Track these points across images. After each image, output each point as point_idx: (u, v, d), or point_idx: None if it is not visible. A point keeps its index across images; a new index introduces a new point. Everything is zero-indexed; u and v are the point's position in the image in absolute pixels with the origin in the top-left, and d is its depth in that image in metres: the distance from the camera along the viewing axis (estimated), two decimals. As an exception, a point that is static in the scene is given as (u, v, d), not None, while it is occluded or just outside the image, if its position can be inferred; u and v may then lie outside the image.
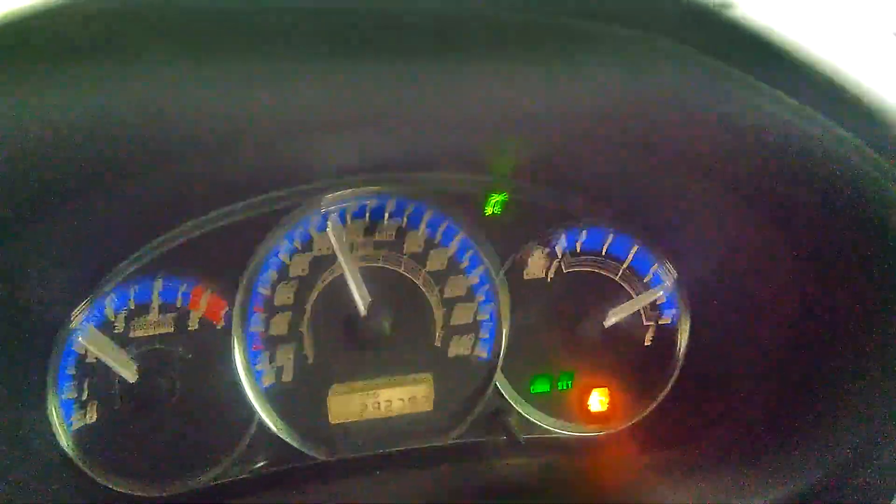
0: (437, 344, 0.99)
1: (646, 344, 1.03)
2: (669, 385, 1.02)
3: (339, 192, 0.94)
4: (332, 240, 0.92)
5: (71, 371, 0.91)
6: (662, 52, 0.48)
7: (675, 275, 1.01)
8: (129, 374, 0.90)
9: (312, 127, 0.72)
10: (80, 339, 0.89)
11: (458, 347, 1.00)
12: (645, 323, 1.02)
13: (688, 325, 1.02)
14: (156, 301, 0.92)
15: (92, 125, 0.57)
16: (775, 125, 0.54)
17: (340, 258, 0.92)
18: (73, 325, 0.90)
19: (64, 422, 0.90)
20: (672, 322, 1.03)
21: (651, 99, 0.59)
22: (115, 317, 0.92)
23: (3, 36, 0.43)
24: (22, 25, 0.43)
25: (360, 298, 0.93)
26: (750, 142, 0.60)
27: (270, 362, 0.95)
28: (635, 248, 1.01)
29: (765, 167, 0.65)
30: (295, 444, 0.96)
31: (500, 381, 1.00)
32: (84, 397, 0.91)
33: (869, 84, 0.47)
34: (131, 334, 0.92)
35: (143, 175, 0.75)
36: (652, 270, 1.02)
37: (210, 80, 0.54)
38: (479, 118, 0.72)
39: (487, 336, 1.00)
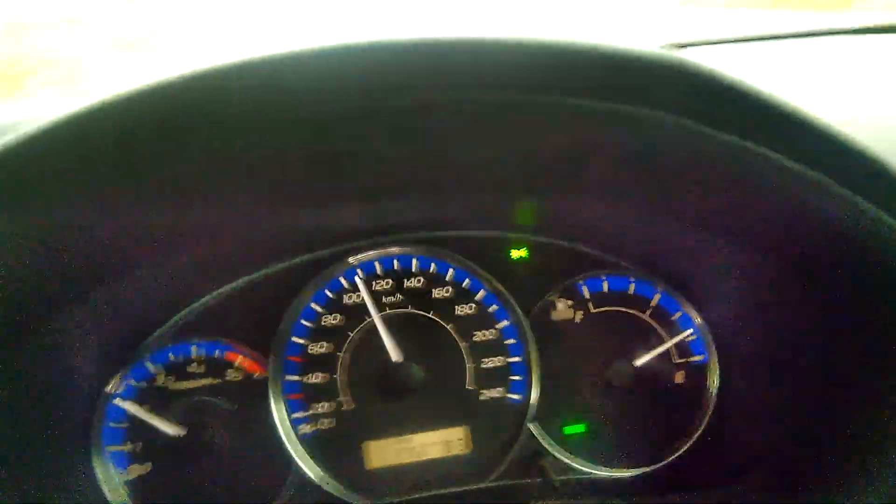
0: (470, 388, 1.01)
1: (677, 383, 1.03)
2: (703, 424, 1.02)
3: (366, 254, 1.00)
4: (363, 294, 0.97)
5: (121, 426, 0.95)
6: (675, 128, 0.50)
7: (699, 320, 1.03)
8: (173, 430, 0.94)
9: (339, 198, 0.77)
10: (119, 403, 0.94)
11: (491, 391, 1.02)
12: (675, 362, 1.03)
13: (717, 364, 1.03)
14: (199, 356, 0.97)
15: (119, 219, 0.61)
16: (791, 193, 0.56)
17: (371, 312, 0.97)
18: (111, 390, 0.95)
19: (117, 473, 0.94)
20: (703, 360, 1.03)
21: (667, 167, 0.61)
22: (158, 373, 0.96)
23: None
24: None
25: (393, 347, 0.97)
26: (767, 207, 0.62)
27: (309, 411, 0.98)
28: (658, 294, 1.03)
29: (781, 229, 0.67)
30: (335, 491, 0.98)
31: (533, 423, 1.01)
32: (137, 450, 0.95)
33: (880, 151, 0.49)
34: (174, 387, 0.96)
35: (173, 252, 0.80)
36: (680, 309, 1.03)
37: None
38: (498, 180, 0.75)
39: (519, 379, 1.02)
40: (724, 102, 0.50)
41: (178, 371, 0.96)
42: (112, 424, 0.95)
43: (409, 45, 0.48)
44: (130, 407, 0.94)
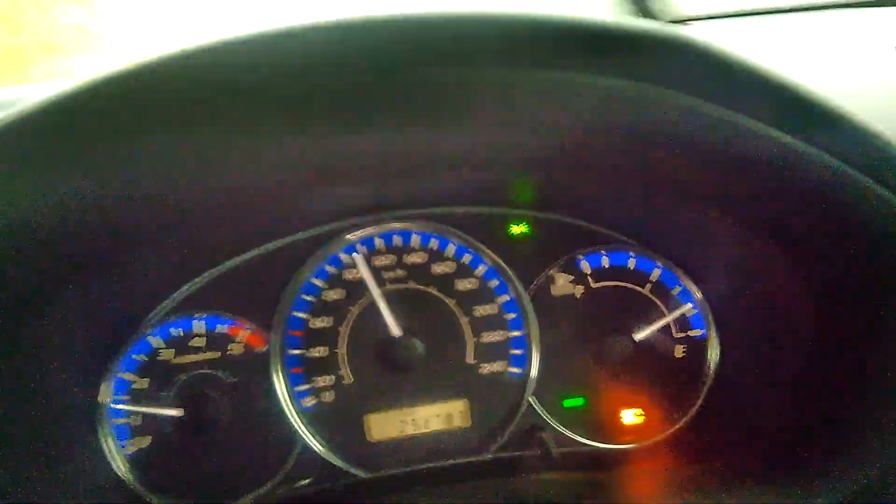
0: (470, 362, 1.02)
1: (677, 357, 1.04)
2: (702, 397, 1.03)
3: (365, 230, 1.01)
4: (362, 271, 0.98)
5: (122, 399, 0.96)
6: (672, 102, 0.50)
7: (699, 295, 1.03)
8: (174, 412, 0.95)
9: (339, 174, 0.77)
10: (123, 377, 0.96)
11: (491, 365, 1.02)
12: (675, 336, 1.04)
13: (716, 338, 1.03)
14: (199, 330, 0.98)
15: (118, 197, 0.61)
16: (788, 166, 0.56)
17: (370, 287, 0.98)
18: (112, 370, 0.96)
19: (118, 447, 0.95)
20: (702, 335, 1.03)
21: (664, 140, 0.61)
22: (161, 347, 0.97)
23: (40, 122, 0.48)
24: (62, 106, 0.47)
25: (393, 322, 0.97)
26: (761, 179, 0.62)
27: (311, 384, 0.99)
28: (659, 269, 1.03)
29: (777, 201, 0.67)
30: (336, 463, 0.99)
31: (533, 397, 1.02)
32: (137, 423, 0.96)
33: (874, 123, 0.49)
34: (177, 361, 0.97)
35: (176, 228, 0.80)
36: (680, 284, 1.03)
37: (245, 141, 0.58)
38: (497, 158, 0.75)
39: (519, 354, 1.02)
40: (721, 78, 0.50)
41: (179, 345, 0.97)
42: (116, 398, 0.96)
43: (416, 19, 0.48)
44: (131, 384, 0.95)
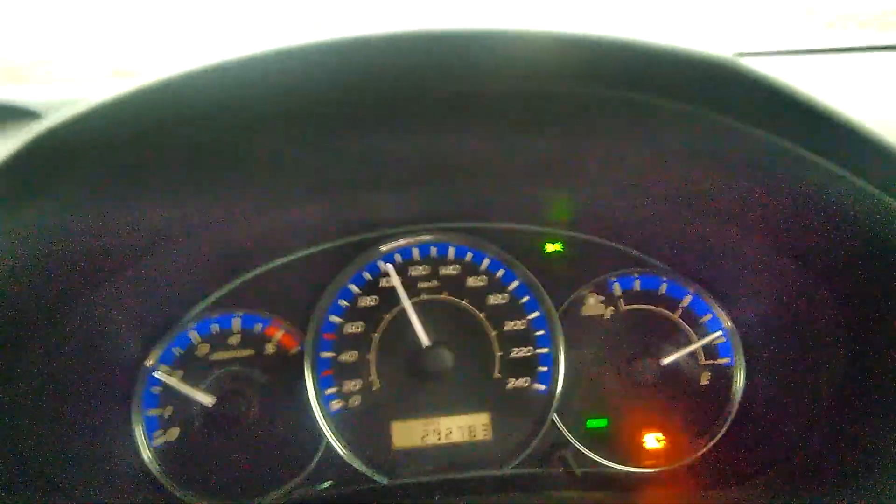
0: (497, 376, 1.03)
1: (702, 384, 1.04)
2: (725, 425, 1.03)
3: (401, 241, 1.03)
4: (393, 280, 1.00)
5: (157, 391, 0.98)
6: (722, 127, 0.52)
7: (730, 323, 1.04)
8: (207, 399, 0.97)
9: (382, 181, 0.79)
10: (157, 374, 0.98)
11: (517, 381, 1.03)
12: (702, 363, 1.04)
13: (743, 367, 1.04)
14: (236, 328, 1.00)
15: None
16: (826, 194, 0.57)
17: (401, 296, 1.00)
18: (149, 363, 0.98)
19: (147, 438, 0.97)
20: (729, 363, 1.04)
21: (708, 165, 0.62)
22: (199, 343, 1.00)
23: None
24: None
25: (422, 332, 0.99)
26: (800, 206, 0.63)
27: (339, 388, 1.01)
28: (690, 296, 1.05)
29: (813, 229, 0.68)
30: (359, 468, 1.00)
31: (556, 415, 1.03)
32: (167, 416, 0.98)
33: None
34: (213, 357, 1.00)
35: (222, 223, 0.83)
36: (710, 311, 1.04)
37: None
38: (543, 175, 0.77)
39: (545, 371, 1.03)
40: (780, 108, 0.51)
41: (217, 342, 1.00)
42: (149, 390, 0.98)
43: (467, 35, 0.49)
44: (164, 376, 0.98)
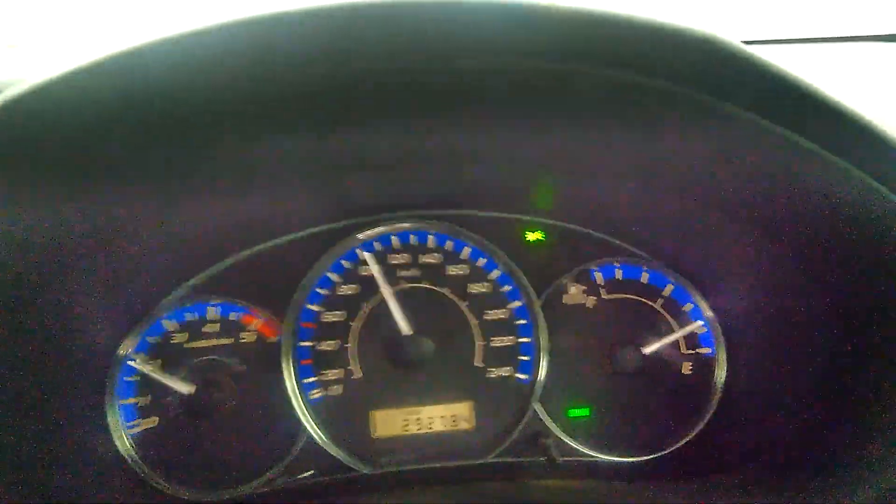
0: (478, 365, 1.03)
1: (684, 374, 1.04)
2: (707, 415, 1.03)
3: (380, 228, 1.02)
4: (373, 268, 0.99)
5: (133, 380, 0.97)
6: (723, 116, 0.51)
7: (711, 313, 1.03)
8: (185, 388, 0.96)
9: (360, 167, 0.77)
10: (133, 363, 0.97)
11: (498, 370, 1.03)
12: (683, 353, 1.04)
13: (725, 356, 1.04)
14: (213, 316, 0.99)
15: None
16: (819, 184, 0.57)
17: (381, 285, 0.99)
18: (123, 352, 0.97)
19: (125, 425, 0.96)
20: (711, 353, 1.04)
21: (700, 155, 0.61)
22: (174, 331, 0.98)
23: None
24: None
25: (403, 320, 0.98)
26: (790, 195, 0.62)
27: (319, 377, 1.00)
28: (671, 285, 1.04)
29: (801, 218, 0.68)
30: (340, 457, 0.99)
31: (538, 404, 1.02)
32: (145, 405, 0.97)
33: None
34: (190, 346, 0.98)
35: (192, 211, 0.81)
36: (692, 301, 1.04)
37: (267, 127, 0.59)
38: (524, 161, 0.76)
39: (527, 360, 1.03)
40: (770, 93, 0.50)
41: (193, 330, 0.98)
42: (125, 378, 0.97)
43: (442, 5, 0.47)
44: (142, 365, 0.96)
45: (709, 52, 0.49)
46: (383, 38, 0.47)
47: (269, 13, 0.46)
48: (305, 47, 0.47)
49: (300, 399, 0.99)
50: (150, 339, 0.98)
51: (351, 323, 1.01)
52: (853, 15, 1.23)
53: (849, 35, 1.17)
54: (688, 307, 1.04)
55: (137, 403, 0.97)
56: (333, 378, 1.01)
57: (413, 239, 1.03)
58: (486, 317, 1.03)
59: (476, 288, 1.03)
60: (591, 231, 1.05)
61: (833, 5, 1.27)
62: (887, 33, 1.17)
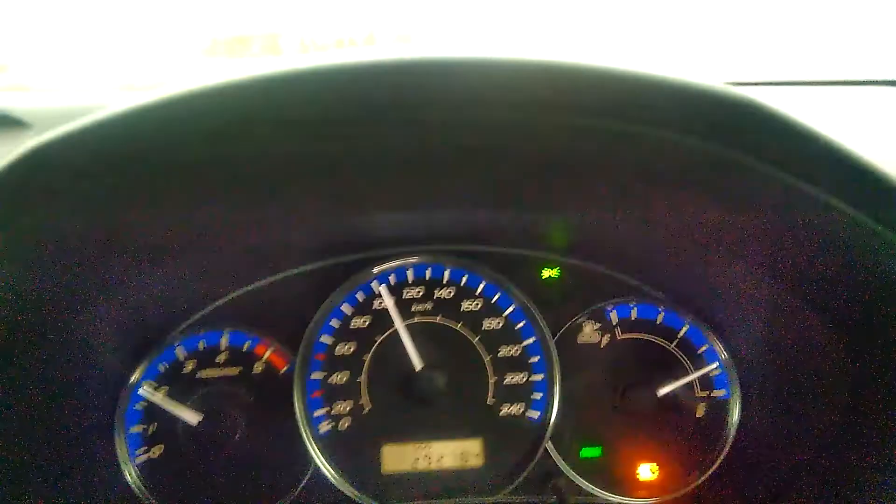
0: (490, 402, 1.01)
1: (698, 416, 1.03)
2: (720, 458, 1.02)
3: (396, 262, 1.02)
4: (386, 302, 0.99)
5: (140, 407, 0.96)
6: (719, 161, 0.51)
7: (726, 355, 1.02)
8: (192, 417, 0.95)
9: (376, 206, 0.78)
10: (142, 390, 0.96)
11: (510, 407, 1.02)
12: (697, 395, 1.03)
13: (739, 400, 1.02)
14: (224, 345, 0.98)
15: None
16: (826, 228, 0.57)
17: (394, 319, 0.98)
18: (134, 379, 0.97)
19: (129, 455, 0.95)
20: (725, 396, 1.03)
21: (707, 198, 0.62)
22: (185, 359, 0.97)
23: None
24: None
25: (415, 354, 0.97)
26: (800, 240, 0.62)
27: (329, 410, 0.99)
28: (687, 326, 1.03)
29: (812, 263, 0.68)
30: (348, 492, 0.98)
31: (550, 443, 1.01)
32: (151, 433, 0.96)
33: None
34: (198, 375, 0.98)
35: (209, 242, 0.82)
36: (707, 343, 1.03)
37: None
38: (541, 203, 0.76)
39: (540, 398, 1.02)
40: (781, 141, 0.51)
41: (205, 359, 0.98)
42: (133, 407, 0.96)
43: (465, 63, 0.49)
44: (150, 393, 0.96)
45: (732, 108, 0.49)
46: (418, 95, 0.48)
47: (308, 66, 0.47)
48: (345, 101, 0.48)
49: (309, 432, 0.98)
50: (160, 367, 0.97)
51: (363, 356, 1.00)
52: (848, 59, 1.25)
53: (842, 79, 1.18)
54: (703, 348, 1.03)
55: (143, 431, 0.96)
56: (343, 411, 0.99)
57: (428, 273, 1.02)
58: (499, 353, 1.02)
59: (490, 324, 1.02)
60: (606, 270, 1.04)
61: (834, 49, 1.29)
62: (885, 79, 1.18)
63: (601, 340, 1.04)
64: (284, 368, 0.99)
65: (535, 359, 1.02)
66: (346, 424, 0.99)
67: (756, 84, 1.14)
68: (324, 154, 0.57)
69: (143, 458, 0.96)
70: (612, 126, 0.50)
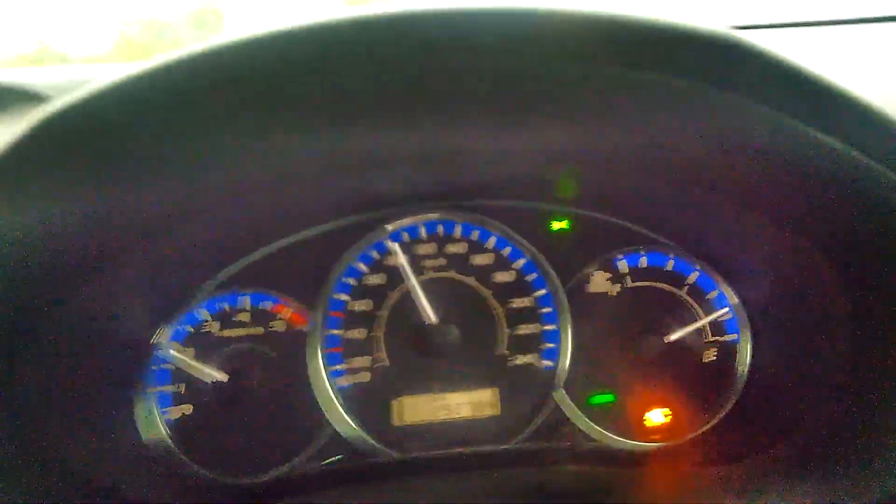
0: (503, 353, 1.04)
1: (708, 360, 1.04)
2: (731, 402, 1.04)
3: (407, 219, 1.04)
4: (399, 258, 1.01)
5: (168, 368, 1.00)
6: (723, 104, 0.52)
7: (736, 299, 1.04)
8: (219, 376, 0.99)
9: (387, 161, 0.79)
10: (170, 351, 0.99)
11: (523, 357, 1.04)
12: (707, 340, 1.05)
13: (749, 343, 1.04)
14: (245, 306, 1.01)
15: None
16: (832, 171, 0.57)
17: (407, 275, 1.01)
18: (156, 340, 1.00)
19: (161, 414, 0.99)
20: (735, 339, 1.04)
21: (718, 145, 0.62)
22: (209, 320, 1.01)
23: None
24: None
25: (429, 309, 1.00)
26: (807, 183, 0.63)
27: (348, 365, 1.02)
28: (696, 273, 1.04)
29: (820, 206, 0.68)
30: (368, 443, 1.02)
31: (562, 391, 1.04)
32: (180, 392, 1.00)
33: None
34: (223, 335, 1.01)
35: (226, 204, 0.83)
36: (716, 288, 1.04)
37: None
38: (548, 152, 0.76)
39: (551, 348, 1.04)
40: (783, 84, 0.51)
41: (226, 319, 1.01)
42: (161, 367, 1.00)
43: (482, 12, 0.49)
44: (177, 354, 0.99)
45: (722, 49, 0.50)
46: (422, 43, 0.49)
47: (313, 22, 0.48)
48: (349, 52, 0.48)
49: (328, 386, 1.01)
50: (185, 328, 1.00)
51: (378, 312, 1.03)
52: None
53: (850, 18, 1.16)
54: (713, 294, 1.04)
55: (173, 391, 1.00)
56: (361, 366, 1.03)
57: (440, 229, 1.04)
58: (510, 305, 1.04)
59: (501, 277, 1.04)
60: (615, 219, 1.05)
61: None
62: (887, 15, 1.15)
63: (612, 289, 1.05)
64: (304, 326, 1.02)
65: (547, 309, 1.04)
66: (365, 378, 1.03)
67: (761, 27, 1.12)
68: (349, 110, 0.58)
69: (173, 416, 0.99)
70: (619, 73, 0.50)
